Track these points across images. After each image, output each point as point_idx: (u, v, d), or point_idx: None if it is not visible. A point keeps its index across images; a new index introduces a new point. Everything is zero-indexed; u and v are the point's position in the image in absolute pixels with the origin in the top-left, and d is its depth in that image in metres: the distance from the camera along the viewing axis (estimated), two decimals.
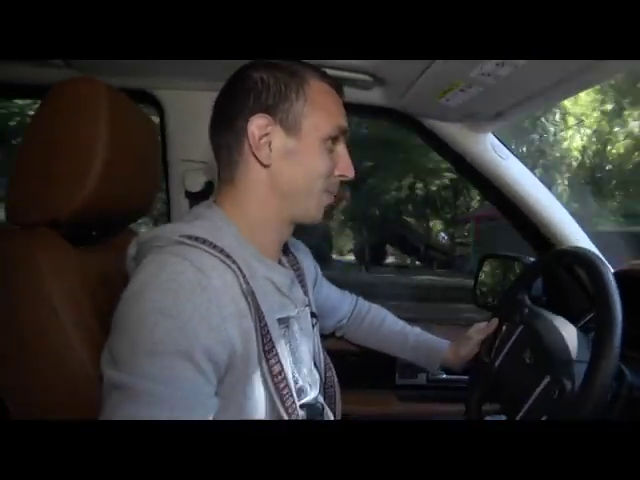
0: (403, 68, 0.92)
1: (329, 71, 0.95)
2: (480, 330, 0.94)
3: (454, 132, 1.12)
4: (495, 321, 0.92)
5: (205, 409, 0.53)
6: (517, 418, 0.72)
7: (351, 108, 1.15)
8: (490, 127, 1.11)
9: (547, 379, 0.69)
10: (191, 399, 0.52)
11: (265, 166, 0.65)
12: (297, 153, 0.65)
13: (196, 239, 0.58)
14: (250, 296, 0.59)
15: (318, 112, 0.65)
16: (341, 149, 0.70)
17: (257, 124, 0.63)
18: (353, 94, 1.08)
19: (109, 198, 0.71)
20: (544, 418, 0.67)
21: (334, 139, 0.68)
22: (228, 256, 0.58)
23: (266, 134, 0.64)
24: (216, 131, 0.68)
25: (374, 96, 1.09)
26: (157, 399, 0.50)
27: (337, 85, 0.71)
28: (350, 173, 0.71)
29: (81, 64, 0.99)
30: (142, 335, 0.51)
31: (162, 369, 0.50)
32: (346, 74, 0.98)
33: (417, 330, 1.02)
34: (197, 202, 0.71)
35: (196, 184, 1.11)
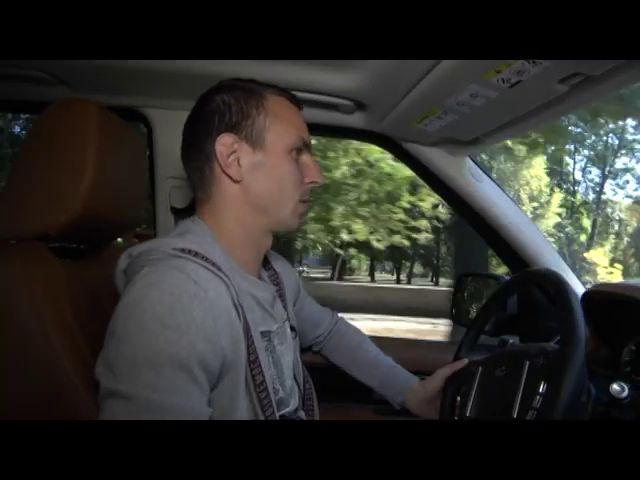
0: (383, 94, 0.96)
1: (314, 96, 1.01)
2: (446, 367, 0.92)
3: (432, 155, 1.15)
4: (462, 361, 0.90)
5: (199, 418, 0.55)
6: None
7: (334, 130, 1.21)
8: (467, 151, 1.15)
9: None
10: (186, 408, 0.53)
11: (237, 182, 0.68)
12: (265, 166, 0.68)
13: (189, 252, 0.60)
14: (240, 307, 0.61)
15: (279, 124, 0.69)
16: (307, 158, 0.72)
17: (224, 143, 0.66)
18: (336, 118, 1.13)
19: (98, 214, 0.73)
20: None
21: (298, 150, 0.71)
22: (219, 269, 0.61)
23: (233, 151, 0.67)
24: (187, 155, 0.71)
25: (356, 119, 1.14)
26: (155, 408, 0.52)
27: (294, 99, 0.74)
28: (320, 179, 0.74)
29: (73, 81, 1.02)
30: (142, 345, 0.53)
31: (161, 379, 0.52)
32: (329, 99, 1.03)
33: (389, 361, 1.00)
34: (182, 218, 0.73)
35: (181, 200, 1.14)
